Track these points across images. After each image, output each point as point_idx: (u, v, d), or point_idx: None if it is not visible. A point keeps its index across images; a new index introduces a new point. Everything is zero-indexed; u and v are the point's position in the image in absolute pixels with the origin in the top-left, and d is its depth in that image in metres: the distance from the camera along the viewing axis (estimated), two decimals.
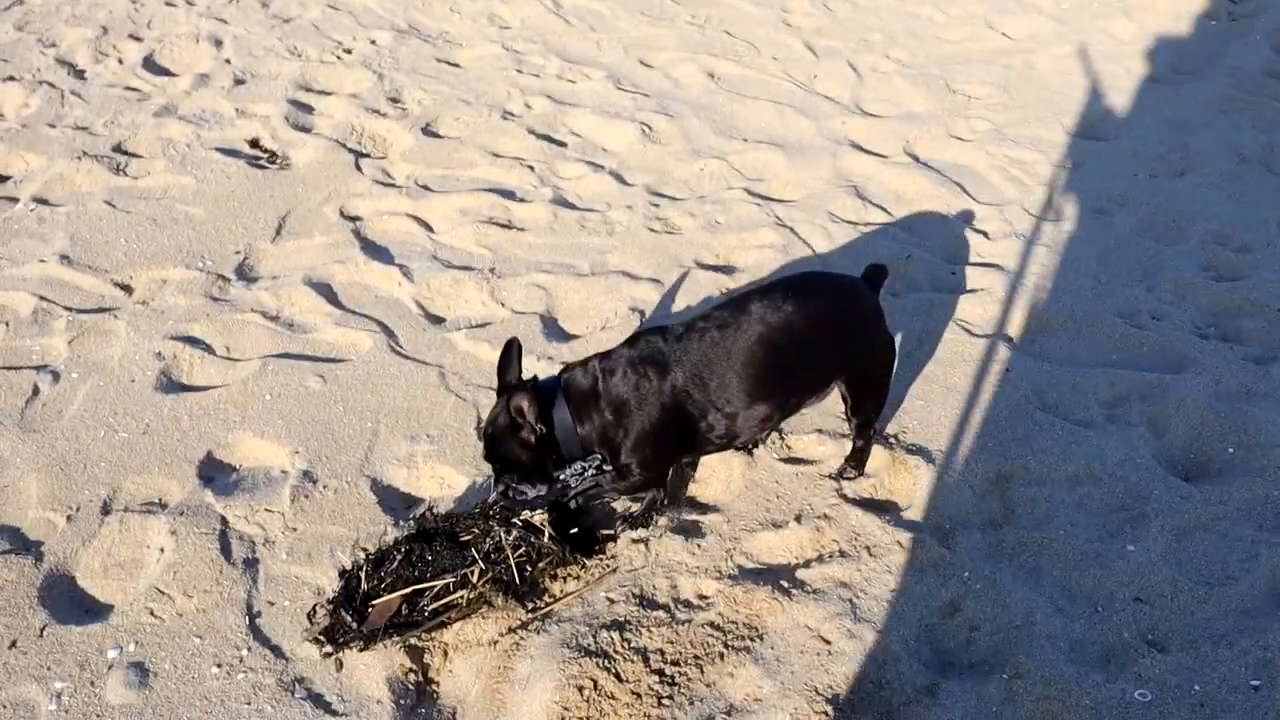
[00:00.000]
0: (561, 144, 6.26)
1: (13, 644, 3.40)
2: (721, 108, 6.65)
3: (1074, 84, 7.09)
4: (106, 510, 3.88)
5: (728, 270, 5.22)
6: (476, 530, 3.64)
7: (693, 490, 4.08)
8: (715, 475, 4.10)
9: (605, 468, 3.60)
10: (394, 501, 3.97)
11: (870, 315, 3.86)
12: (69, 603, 3.59)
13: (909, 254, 5.26)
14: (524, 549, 3.62)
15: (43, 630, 3.45)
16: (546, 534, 3.64)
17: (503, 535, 3.61)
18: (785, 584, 3.64)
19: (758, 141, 6.28)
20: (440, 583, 3.50)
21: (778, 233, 5.45)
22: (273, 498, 3.93)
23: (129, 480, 4.00)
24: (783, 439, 4.23)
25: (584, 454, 3.59)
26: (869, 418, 4.00)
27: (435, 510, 3.80)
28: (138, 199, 5.62)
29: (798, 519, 3.88)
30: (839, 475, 4.09)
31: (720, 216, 5.59)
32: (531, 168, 5.96)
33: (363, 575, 3.54)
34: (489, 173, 5.91)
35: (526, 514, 3.68)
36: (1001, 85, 7.04)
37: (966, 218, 5.65)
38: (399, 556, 3.57)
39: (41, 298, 4.91)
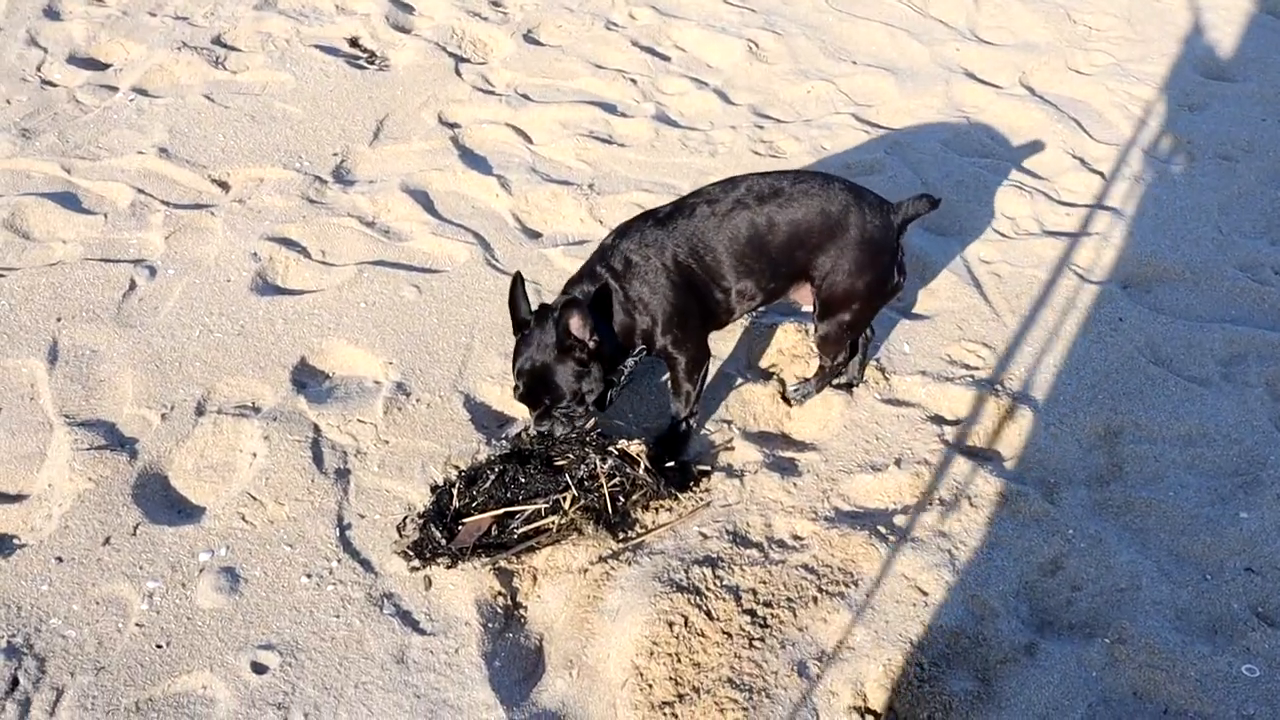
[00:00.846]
0: (665, 58, 6.09)
1: (106, 540, 3.41)
2: (831, 28, 6.43)
3: (1203, 20, 6.76)
4: (200, 411, 3.87)
5: None
6: (572, 456, 3.58)
7: (789, 427, 3.99)
8: (812, 413, 4.00)
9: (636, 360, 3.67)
10: (486, 419, 3.92)
11: (868, 236, 3.72)
12: (162, 502, 3.60)
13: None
14: (618, 479, 3.55)
15: (136, 528, 3.46)
16: (642, 465, 3.57)
17: (598, 463, 3.54)
18: (882, 529, 3.54)
19: (867, 65, 6.06)
20: (532, 507, 3.45)
21: (886, 161, 5.26)
22: (365, 408, 3.89)
23: (223, 381, 3.98)
24: (886, 378, 4.11)
25: (624, 355, 3.63)
26: (828, 336, 3.84)
27: (530, 431, 3.74)
28: (236, 94, 5.56)
29: (897, 463, 3.78)
30: (786, 392, 4.07)
31: (827, 142, 5.42)
32: (634, 81, 5.80)
33: (454, 492, 3.50)
34: (590, 84, 5.77)
35: (624, 443, 3.61)
36: (1125, 17, 6.73)
37: (1082, 156, 5.42)
38: (491, 476, 3.52)
39: (140, 190, 4.88)
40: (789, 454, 3.84)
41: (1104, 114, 5.79)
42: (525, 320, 3.54)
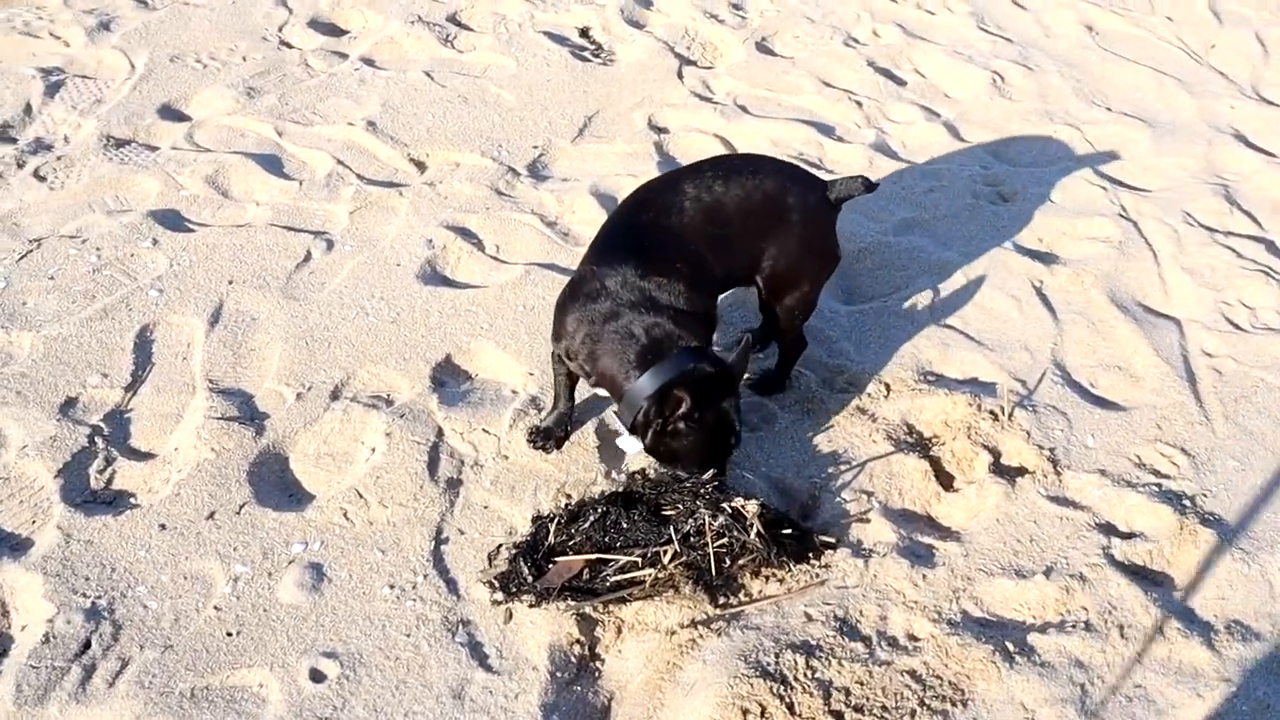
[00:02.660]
0: (900, 82, 5.73)
1: (211, 515, 3.42)
2: (1092, 67, 5.90)
3: None
4: (336, 395, 3.84)
5: (1047, 259, 4.62)
6: (681, 506, 3.35)
7: (936, 509, 3.64)
8: (964, 499, 3.64)
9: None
10: (613, 450, 3.73)
11: (803, 212, 3.62)
12: (275, 484, 3.58)
13: None
14: (727, 539, 3.30)
15: (241, 508, 3.45)
16: (755, 529, 3.31)
17: (707, 519, 3.30)
18: (1011, 646, 3.17)
19: (1122, 114, 5.53)
20: (628, 558, 3.24)
21: (1118, 225, 4.78)
22: (494, 417, 3.78)
23: (364, 368, 3.95)
24: (1057, 472, 3.70)
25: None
26: (781, 320, 3.75)
27: (647, 473, 3.54)
28: (456, 74, 5.55)
29: (1047, 572, 3.38)
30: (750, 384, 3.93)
31: (1057, 194, 4.96)
32: (860, 104, 5.48)
33: (552, 527, 3.34)
34: (813, 102, 5.48)
35: (740, 500, 3.36)
36: None
37: None
38: (593, 517, 3.34)
39: (339, 161, 4.93)
40: (927, 539, 3.50)
41: None
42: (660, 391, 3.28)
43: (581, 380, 3.55)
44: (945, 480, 3.75)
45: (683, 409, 3.21)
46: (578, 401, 3.83)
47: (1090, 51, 6.03)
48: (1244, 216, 4.89)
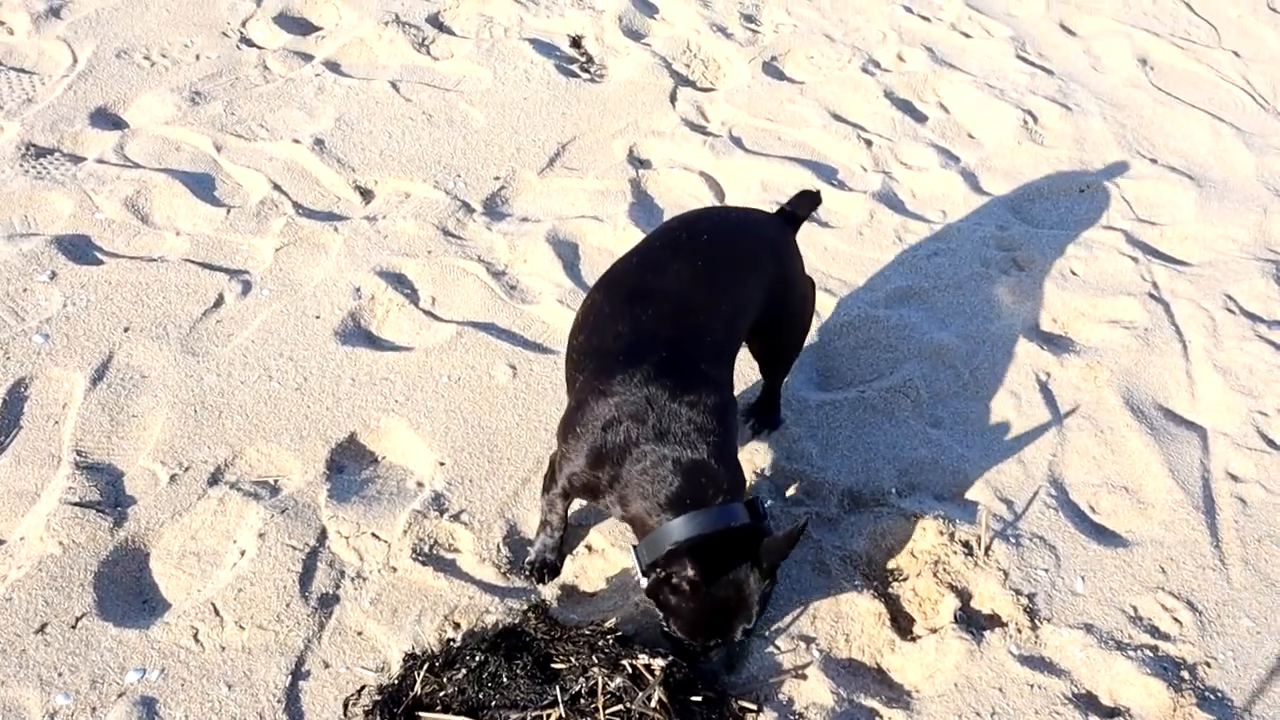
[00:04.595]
0: (920, 118, 5.12)
1: (41, 628, 2.98)
2: (1140, 109, 5.24)
3: None
4: (215, 480, 3.38)
5: (1059, 345, 4.04)
6: (574, 661, 2.86)
7: (888, 660, 3.10)
8: (921, 651, 3.10)
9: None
10: (519, 564, 3.24)
11: (783, 250, 3.33)
12: (126, 589, 3.13)
13: None
14: (623, 704, 2.80)
15: (78, 620, 3.00)
16: (655, 695, 2.79)
17: (601, 679, 2.80)
18: None
19: (1168, 168, 4.88)
20: None
21: (1145, 308, 4.17)
22: (388, 518, 3.29)
23: (254, 445, 3.48)
24: (1034, 625, 3.15)
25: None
26: (779, 361, 3.51)
27: (547, 605, 3.05)
28: (425, 85, 5.04)
29: None
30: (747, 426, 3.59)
31: (1079, 265, 4.36)
32: (869, 143, 4.88)
33: (420, 674, 2.86)
34: (817, 138, 4.89)
35: (644, 658, 2.85)
36: None
37: None
38: (473, 665, 2.85)
39: (276, 186, 4.45)
40: (871, 702, 2.97)
41: None
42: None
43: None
44: (904, 624, 3.22)
45: (689, 574, 2.69)
46: (480, 492, 3.33)
47: (1141, 90, 5.36)
48: None
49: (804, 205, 3.48)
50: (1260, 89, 5.44)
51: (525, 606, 3.05)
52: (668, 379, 2.86)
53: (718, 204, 3.75)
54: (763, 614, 2.87)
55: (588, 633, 2.93)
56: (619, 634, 2.93)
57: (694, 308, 3.04)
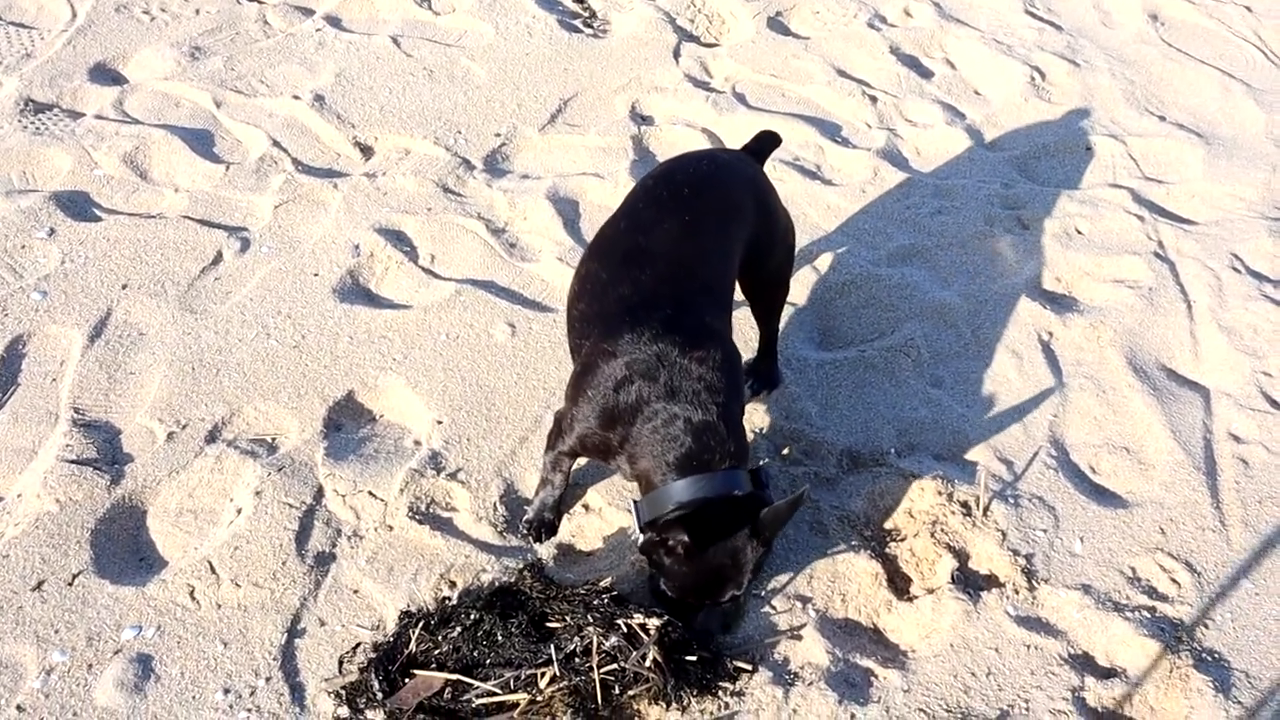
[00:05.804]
0: (926, 74, 5.06)
1: (39, 585, 2.98)
2: (1150, 66, 5.17)
3: None
4: (213, 437, 3.38)
5: (1062, 304, 4.00)
6: (569, 620, 2.86)
7: (885, 620, 3.09)
8: (918, 611, 3.09)
9: None
10: (516, 524, 3.24)
11: (760, 187, 3.34)
12: (123, 547, 3.13)
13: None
14: (618, 663, 2.80)
15: (75, 577, 3.01)
16: (650, 654, 2.79)
17: (596, 637, 2.80)
18: None
19: (1177, 125, 4.82)
20: (496, 682, 2.76)
21: (1150, 267, 4.13)
22: (385, 477, 3.29)
23: (252, 403, 3.48)
24: (1031, 586, 3.13)
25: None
26: (773, 298, 3.50)
27: (543, 564, 3.06)
28: (427, 40, 4.99)
29: (1000, 719, 2.84)
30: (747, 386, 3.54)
31: (1084, 224, 4.31)
32: (874, 99, 4.83)
33: (415, 632, 2.86)
34: (821, 95, 4.84)
35: (639, 617, 2.85)
36: None
37: None
38: (468, 623, 2.86)
39: (275, 143, 4.42)
40: (867, 662, 2.97)
41: None
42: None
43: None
44: (901, 584, 3.21)
45: (684, 539, 2.70)
46: (478, 451, 3.33)
47: (1151, 46, 5.28)
48: None
49: (765, 144, 3.54)
50: (1272, 45, 5.36)
51: (521, 565, 3.05)
52: (676, 335, 2.86)
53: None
54: (755, 581, 2.87)
55: (583, 592, 2.93)
56: (614, 593, 2.93)
57: (689, 260, 3.03)
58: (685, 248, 3.05)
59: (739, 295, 3.32)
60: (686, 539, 2.68)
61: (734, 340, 3.08)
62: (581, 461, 3.24)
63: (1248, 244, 4.26)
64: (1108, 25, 5.40)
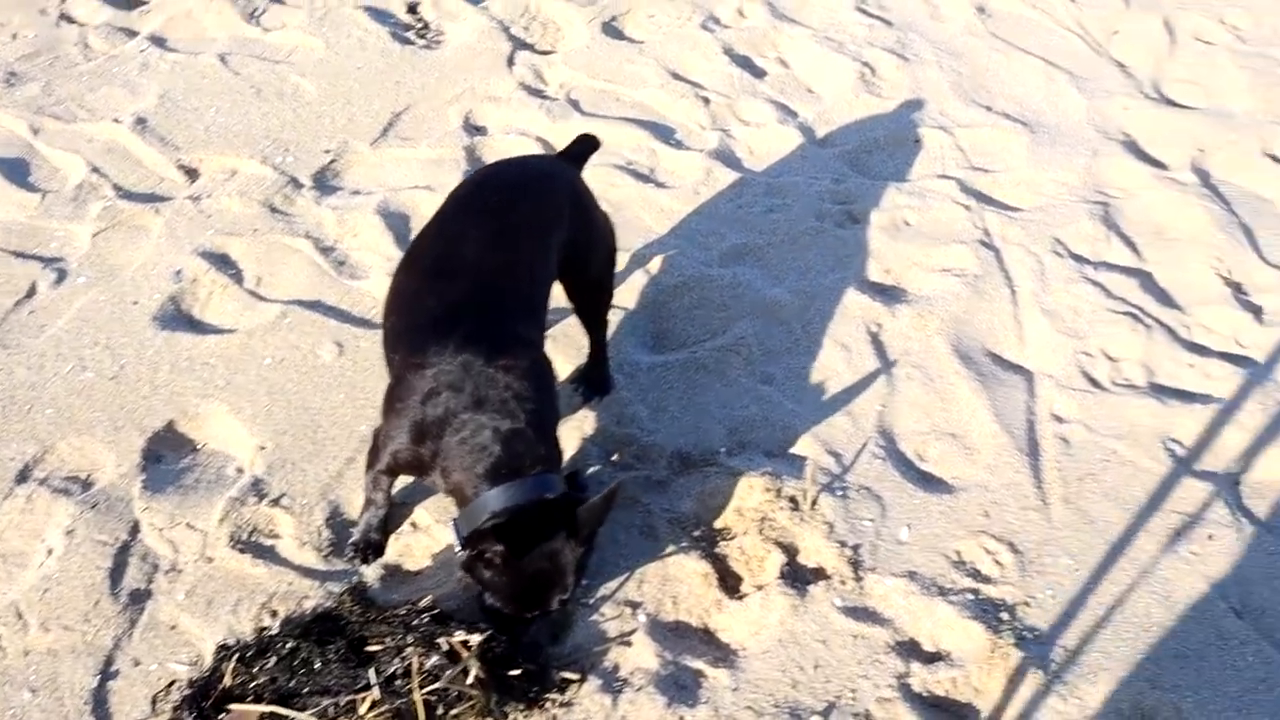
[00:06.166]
0: (759, 73, 5.10)
1: None
2: (976, 58, 5.27)
3: None
4: (23, 477, 3.28)
5: (891, 296, 4.06)
6: (389, 641, 2.82)
7: (716, 620, 3.11)
8: (747, 609, 3.11)
9: None
10: (344, 546, 3.19)
11: (576, 190, 3.36)
12: None
13: None
14: (440, 683, 2.77)
15: None
16: (472, 672, 2.77)
17: (415, 658, 2.77)
18: None
19: (1003, 115, 4.92)
20: (314, 711, 2.71)
21: (976, 255, 4.21)
22: (204, 507, 3.22)
23: (66, 439, 3.38)
24: (857, 576, 3.17)
25: None
26: (597, 301, 3.50)
27: (366, 585, 3.02)
28: (255, 58, 4.90)
29: (826, 712, 2.87)
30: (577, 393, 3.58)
31: (912, 215, 4.38)
32: (707, 100, 4.86)
33: (230, 665, 2.80)
34: (655, 98, 4.85)
35: (461, 634, 2.83)
36: None
37: (1240, 283, 4.22)
38: (284, 651, 2.81)
39: (95, 169, 4.31)
40: (697, 664, 2.98)
41: None
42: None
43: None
44: (733, 583, 3.23)
45: (498, 549, 2.68)
46: (303, 475, 3.27)
47: (978, 38, 5.39)
48: (1122, 244, 4.33)
49: (584, 149, 3.55)
50: (1094, 33, 5.50)
51: (342, 590, 3.01)
52: (482, 344, 2.85)
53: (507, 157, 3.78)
54: (579, 584, 2.86)
55: (403, 612, 2.90)
56: (435, 611, 2.90)
57: (498, 269, 3.02)
58: (495, 257, 3.03)
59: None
60: (501, 547, 2.66)
61: (543, 349, 3.08)
62: (407, 480, 3.20)
63: (1069, 228, 4.36)
64: (936, 19, 5.50)
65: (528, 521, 2.72)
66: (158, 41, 4.94)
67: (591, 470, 3.38)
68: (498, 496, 2.75)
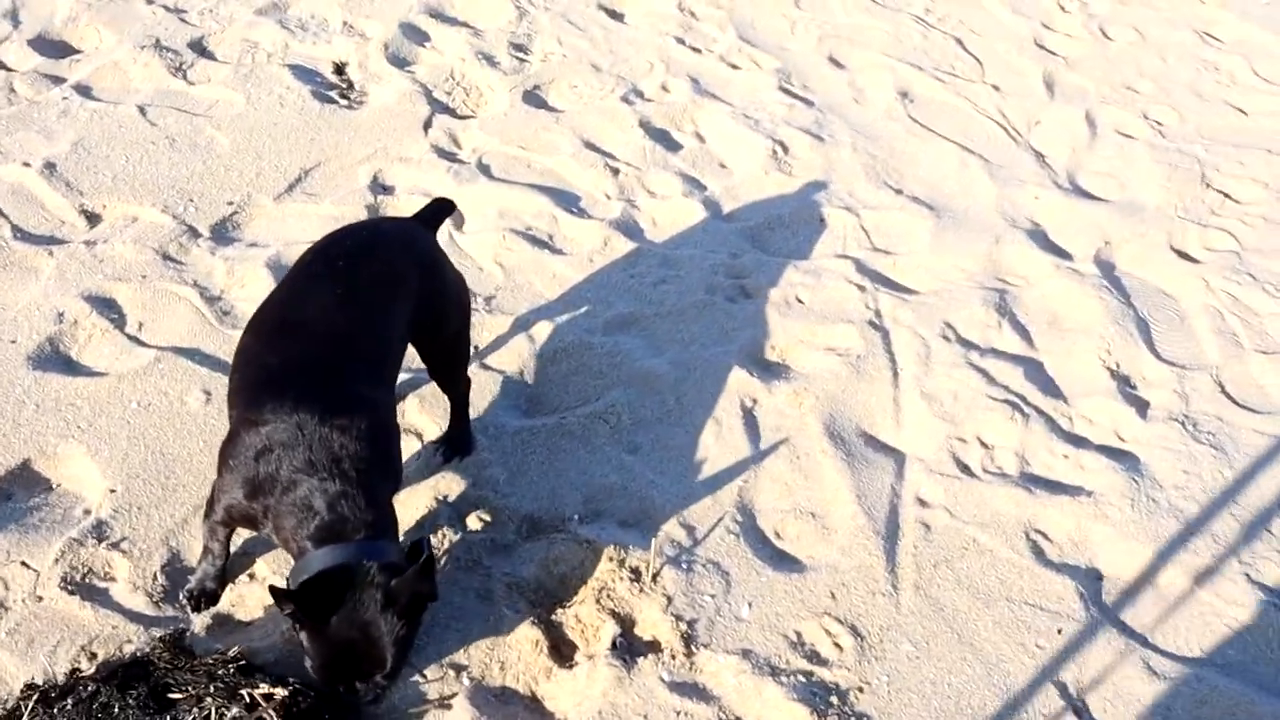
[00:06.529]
0: (675, 146, 5.16)
1: None
2: (893, 141, 5.33)
3: None
4: None
5: (773, 372, 4.07)
6: (192, 691, 2.80)
7: (542, 689, 3.07)
8: (574, 679, 3.08)
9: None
10: (178, 593, 3.17)
11: (428, 256, 3.34)
12: None
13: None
14: None
15: None
16: None
17: (214, 710, 2.75)
18: None
19: (912, 199, 4.97)
20: None
21: (863, 335, 4.22)
22: (42, 546, 3.21)
23: None
24: (690, 651, 3.14)
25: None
26: (452, 366, 3.50)
27: (185, 635, 3.00)
28: (175, 110, 4.97)
29: None
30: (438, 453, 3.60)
31: (805, 292, 4.40)
32: (617, 171, 4.90)
33: (29, 706, 2.78)
34: (565, 166, 4.90)
35: (265, 687, 2.80)
36: None
37: (1127, 375, 4.22)
38: (85, 694, 2.78)
39: None
40: None
41: (1188, 319, 4.53)
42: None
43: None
44: (567, 651, 3.20)
45: (291, 610, 2.65)
46: (148, 520, 3.26)
47: (897, 122, 5.45)
48: (1013, 331, 4.34)
49: (438, 212, 3.58)
50: (1015, 122, 5.56)
51: (159, 636, 2.99)
52: (318, 404, 2.84)
53: (373, 218, 3.84)
54: (401, 660, 2.79)
55: (210, 662, 2.88)
56: (241, 663, 2.88)
57: (342, 331, 3.03)
58: (338, 318, 3.04)
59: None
60: (292, 608, 2.64)
61: (393, 411, 3.08)
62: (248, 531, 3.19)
63: (962, 313, 4.38)
64: (859, 102, 5.56)
65: (334, 588, 2.68)
66: (83, 90, 5.01)
67: (443, 534, 3.37)
68: (320, 559, 2.72)
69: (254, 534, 3.19)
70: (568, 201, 4.70)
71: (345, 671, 2.74)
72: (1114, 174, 5.30)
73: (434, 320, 3.32)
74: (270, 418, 2.83)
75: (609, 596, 3.27)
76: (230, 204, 4.50)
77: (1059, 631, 3.31)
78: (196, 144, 4.77)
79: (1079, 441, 3.95)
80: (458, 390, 3.56)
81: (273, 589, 2.60)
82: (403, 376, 3.66)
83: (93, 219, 4.39)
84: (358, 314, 3.07)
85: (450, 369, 3.50)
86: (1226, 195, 5.25)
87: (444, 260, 3.41)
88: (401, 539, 3.31)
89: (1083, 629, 3.32)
